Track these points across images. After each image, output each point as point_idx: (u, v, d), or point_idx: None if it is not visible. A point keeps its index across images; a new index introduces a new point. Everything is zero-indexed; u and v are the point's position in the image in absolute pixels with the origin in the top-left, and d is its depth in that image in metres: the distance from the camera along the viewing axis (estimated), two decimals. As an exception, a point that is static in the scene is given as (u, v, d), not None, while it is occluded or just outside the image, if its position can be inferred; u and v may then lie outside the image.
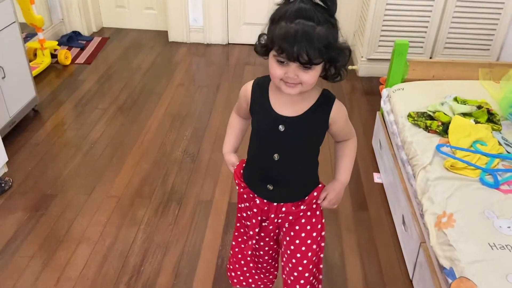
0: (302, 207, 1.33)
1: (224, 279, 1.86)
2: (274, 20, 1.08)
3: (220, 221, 2.16)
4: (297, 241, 1.38)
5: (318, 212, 1.38)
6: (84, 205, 2.23)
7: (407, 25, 3.29)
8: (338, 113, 1.23)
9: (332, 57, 1.11)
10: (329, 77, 1.17)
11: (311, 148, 1.30)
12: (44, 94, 3.18)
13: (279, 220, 1.37)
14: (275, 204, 1.33)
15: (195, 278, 1.87)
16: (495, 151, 1.89)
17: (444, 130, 2.02)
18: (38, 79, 3.31)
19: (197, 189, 2.36)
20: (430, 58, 3.41)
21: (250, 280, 1.62)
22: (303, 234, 1.37)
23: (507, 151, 1.92)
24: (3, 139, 2.48)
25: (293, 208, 1.33)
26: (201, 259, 1.95)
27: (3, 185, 2.28)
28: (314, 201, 1.34)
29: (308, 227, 1.37)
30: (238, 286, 1.65)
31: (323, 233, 1.41)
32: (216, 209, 2.23)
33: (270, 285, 1.67)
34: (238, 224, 1.52)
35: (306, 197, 1.33)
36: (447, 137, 1.99)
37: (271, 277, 1.64)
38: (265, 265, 1.58)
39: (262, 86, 1.25)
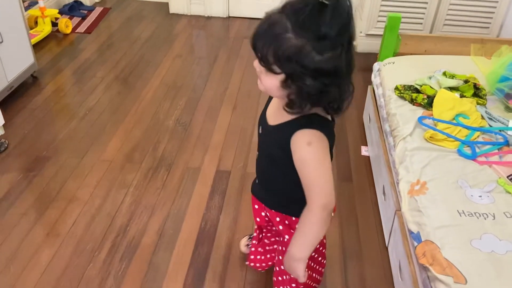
0: (277, 219, 1.28)
1: (206, 240, 1.93)
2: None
3: (206, 187, 2.22)
4: (280, 247, 1.38)
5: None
6: (76, 167, 2.30)
7: (406, 0, 3.26)
8: (297, 143, 0.99)
9: (297, 77, 0.89)
10: (289, 106, 0.95)
11: (277, 165, 1.11)
12: (44, 62, 3.24)
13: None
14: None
15: (178, 238, 1.93)
16: (477, 125, 1.91)
17: (429, 103, 2.04)
18: (38, 46, 3.36)
19: (187, 156, 2.41)
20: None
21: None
22: (286, 237, 1.30)
23: (490, 125, 1.93)
24: (1, 103, 2.55)
25: (272, 214, 1.29)
26: (186, 221, 2.02)
27: (-1, 146, 2.35)
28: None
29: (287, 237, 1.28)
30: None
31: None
32: (203, 176, 2.29)
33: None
34: None
35: (278, 219, 1.28)
36: (431, 110, 2.01)
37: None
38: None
39: None
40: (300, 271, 1.11)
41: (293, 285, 1.37)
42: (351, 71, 0.93)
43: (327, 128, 1.01)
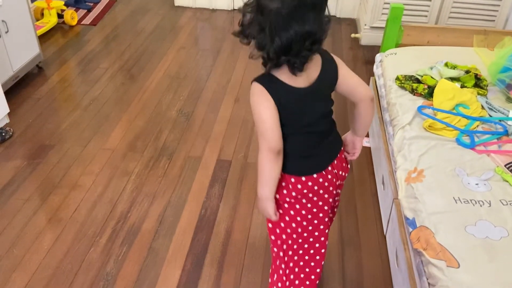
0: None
1: (205, 227, 1.95)
2: None
3: (207, 176, 2.24)
4: None
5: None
6: (79, 156, 2.33)
7: (411, -7, 3.25)
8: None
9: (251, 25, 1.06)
10: (262, 63, 1.12)
11: None
12: (49, 52, 3.27)
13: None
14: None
15: (178, 225, 1.96)
16: (477, 114, 1.91)
17: (429, 93, 2.04)
18: (44, 38, 3.40)
19: (188, 146, 2.43)
20: (434, 27, 3.37)
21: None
22: None
23: (490, 115, 1.93)
24: (6, 93, 2.59)
25: None
26: (186, 208, 2.04)
27: (3, 134, 2.39)
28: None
29: None
30: None
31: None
32: (204, 165, 2.31)
33: None
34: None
35: None
36: (432, 100, 2.01)
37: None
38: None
39: None
40: (269, 210, 1.24)
41: (272, 237, 1.38)
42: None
43: (274, 84, 1.13)
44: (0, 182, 2.15)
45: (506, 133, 1.81)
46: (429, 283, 1.33)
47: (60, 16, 3.66)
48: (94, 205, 2.04)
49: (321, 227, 1.38)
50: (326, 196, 1.30)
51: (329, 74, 1.20)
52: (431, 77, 2.11)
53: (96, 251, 1.83)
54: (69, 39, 3.51)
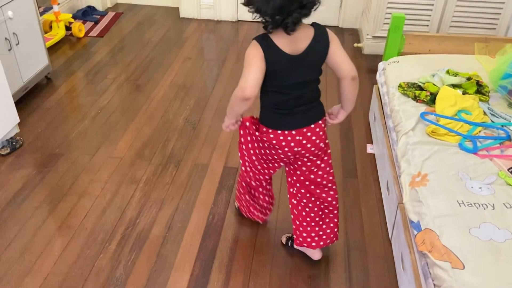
0: None
1: (213, 233, 1.98)
2: None
3: (214, 183, 2.27)
4: None
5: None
6: (88, 163, 2.37)
7: (413, 2, 3.30)
8: None
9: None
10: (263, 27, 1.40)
11: None
12: (58, 64, 3.34)
13: None
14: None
15: (186, 231, 1.99)
16: (479, 120, 1.94)
17: (431, 100, 2.07)
18: (52, 49, 3.47)
19: (195, 153, 2.47)
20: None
21: None
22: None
23: (492, 121, 1.96)
24: (17, 103, 2.64)
25: None
26: (193, 214, 2.08)
27: (14, 143, 2.44)
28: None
29: None
30: None
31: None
32: (211, 172, 2.34)
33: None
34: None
35: None
36: (434, 107, 2.04)
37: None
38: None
39: None
40: (223, 124, 1.65)
41: (239, 153, 1.75)
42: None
43: (268, 44, 1.38)
44: (11, 190, 2.19)
45: (508, 138, 1.84)
46: (434, 285, 1.35)
47: (68, 28, 3.74)
48: (103, 212, 2.08)
49: (271, 171, 1.73)
50: (286, 149, 1.54)
51: (320, 46, 1.42)
52: (433, 84, 2.15)
53: (106, 257, 1.86)
54: (77, 50, 3.57)
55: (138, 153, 2.47)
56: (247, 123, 1.62)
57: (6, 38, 2.58)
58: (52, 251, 1.88)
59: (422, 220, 1.49)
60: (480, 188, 1.59)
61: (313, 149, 1.56)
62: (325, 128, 1.59)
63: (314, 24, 1.44)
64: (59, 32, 3.60)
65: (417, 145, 1.80)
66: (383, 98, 2.35)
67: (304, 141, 1.53)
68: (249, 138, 1.66)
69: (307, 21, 1.42)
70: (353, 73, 1.46)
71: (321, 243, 1.77)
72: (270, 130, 1.53)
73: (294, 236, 1.80)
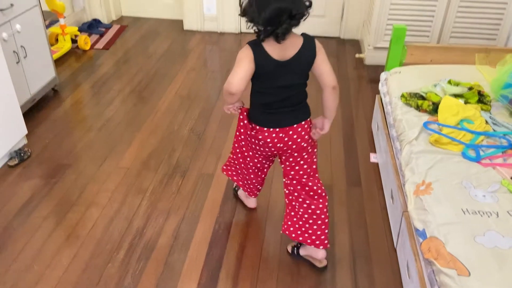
0: None
1: (219, 242, 2.00)
2: None
3: (220, 193, 2.29)
4: None
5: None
6: (95, 174, 2.40)
7: (413, 13, 3.35)
8: None
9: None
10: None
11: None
12: (64, 76, 3.39)
13: None
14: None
15: (192, 240, 2.01)
16: (481, 129, 1.97)
17: (434, 109, 2.11)
18: (59, 62, 3.52)
19: (201, 163, 2.50)
20: (436, 47, 3.46)
21: None
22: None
23: (494, 130, 1.99)
24: (24, 115, 2.68)
25: None
26: (200, 224, 2.10)
27: (22, 154, 2.47)
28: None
29: None
30: None
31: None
32: (217, 181, 2.37)
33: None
34: None
35: None
36: (436, 116, 2.07)
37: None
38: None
39: None
40: (224, 106, 1.82)
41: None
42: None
43: (258, 49, 1.50)
44: (20, 200, 2.22)
45: (510, 146, 1.87)
46: (440, 292, 1.37)
47: (74, 41, 3.80)
48: (111, 222, 2.10)
49: (255, 160, 1.88)
50: (270, 145, 1.69)
51: (307, 56, 1.55)
52: (435, 94, 2.18)
53: (114, 266, 1.88)
54: (83, 63, 3.63)
55: (144, 163, 2.50)
56: (245, 113, 1.77)
57: (14, 51, 2.63)
58: (61, 261, 1.90)
59: (427, 228, 1.51)
60: (484, 196, 1.61)
61: (294, 146, 1.70)
62: (308, 130, 1.70)
63: (303, 35, 1.56)
64: (65, 45, 3.65)
65: (420, 154, 1.83)
66: (386, 107, 2.39)
67: (286, 139, 1.67)
68: (242, 128, 1.82)
69: (298, 31, 1.54)
70: (333, 83, 1.60)
71: (308, 240, 1.80)
72: (258, 127, 1.69)
73: (283, 224, 1.89)
